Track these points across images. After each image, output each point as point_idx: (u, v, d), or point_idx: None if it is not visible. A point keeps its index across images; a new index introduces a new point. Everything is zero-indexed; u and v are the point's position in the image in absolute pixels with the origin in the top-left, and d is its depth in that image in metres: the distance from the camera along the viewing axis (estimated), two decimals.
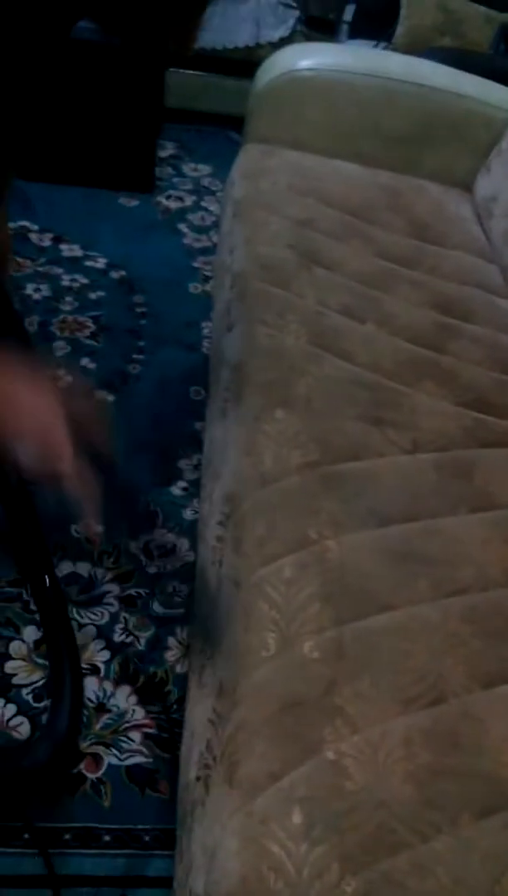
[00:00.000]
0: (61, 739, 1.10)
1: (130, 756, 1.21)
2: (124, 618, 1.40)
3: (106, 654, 1.33)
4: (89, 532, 0.79)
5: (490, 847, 0.73)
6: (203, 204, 2.71)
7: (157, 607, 1.43)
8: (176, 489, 1.67)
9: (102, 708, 1.26)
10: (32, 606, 1.35)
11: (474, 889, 0.70)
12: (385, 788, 0.75)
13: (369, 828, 0.72)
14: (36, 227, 2.37)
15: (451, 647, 0.89)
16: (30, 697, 1.25)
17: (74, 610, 1.38)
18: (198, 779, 0.83)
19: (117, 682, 1.30)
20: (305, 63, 1.92)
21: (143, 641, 1.37)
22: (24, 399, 0.80)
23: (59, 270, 2.24)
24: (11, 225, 1.32)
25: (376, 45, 2.76)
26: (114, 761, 1.20)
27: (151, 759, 1.21)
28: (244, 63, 2.79)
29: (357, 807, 0.73)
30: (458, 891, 0.69)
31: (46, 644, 1.25)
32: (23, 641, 1.33)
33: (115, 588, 1.45)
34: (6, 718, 1.23)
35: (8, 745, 1.20)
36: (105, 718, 1.25)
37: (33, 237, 2.34)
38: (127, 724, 1.25)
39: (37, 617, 1.35)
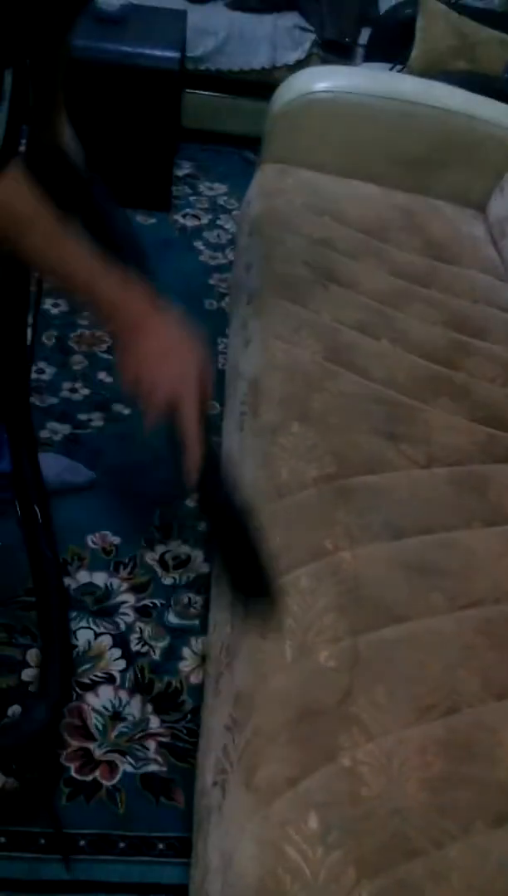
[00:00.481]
0: (56, 698, 1.12)
1: (145, 764, 1.23)
2: (140, 628, 1.41)
3: (121, 664, 1.35)
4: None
5: (504, 854, 0.74)
6: (219, 222, 2.74)
7: (172, 618, 1.44)
8: (191, 502, 1.69)
9: (117, 717, 1.28)
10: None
11: (487, 895, 0.71)
12: (400, 796, 0.76)
13: (384, 834, 0.73)
14: None
15: (465, 659, 0.90)
16: None
17: (90, 620, 1.40)
18: (215, 784, 0.84)
19: (132, 692, 1.32)
20: (321, 85, 1.95)
21: (158, 651, 1.38)
22: (175, 344, 0.93)
23: None
24: None
25: (391, 68, 2.79)
26: (129, 769, 1.22)
27: (165, 768, 1.23)
28: (260, 85, 2.84)
29: (373, 813, 0.75)
30: (469, 890, 0.70)
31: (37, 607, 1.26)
32: (40, 649, 1.34)
33: (130, 598, 1.46)
34: None
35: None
36: (120, 727, 1.26)
37: None
38: (142, 733, 1.26)
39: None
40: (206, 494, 1.00)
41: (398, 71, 2.75)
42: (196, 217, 2.75)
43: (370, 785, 0.76)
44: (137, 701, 1.30)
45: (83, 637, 1.38)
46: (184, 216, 2.74)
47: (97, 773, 1.20)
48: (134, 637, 1.40)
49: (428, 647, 0.91)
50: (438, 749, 0.80)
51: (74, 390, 1.91)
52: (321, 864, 0.71)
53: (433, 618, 0.94)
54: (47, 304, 2.15)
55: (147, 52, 2.50)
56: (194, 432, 0.92)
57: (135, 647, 1.38)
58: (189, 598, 1.49)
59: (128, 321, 0.92)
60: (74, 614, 1.40)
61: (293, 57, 3.09)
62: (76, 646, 1.35)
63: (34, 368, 1.81)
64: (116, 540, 1.56)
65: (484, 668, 0.89)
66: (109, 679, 1.32)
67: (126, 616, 1.43)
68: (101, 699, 1.29)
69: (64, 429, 1.78)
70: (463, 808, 0.76)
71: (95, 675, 1.32)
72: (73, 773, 1.20)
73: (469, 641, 0.92)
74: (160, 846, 1.15)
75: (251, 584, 0.96)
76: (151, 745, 1.25)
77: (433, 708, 0.84)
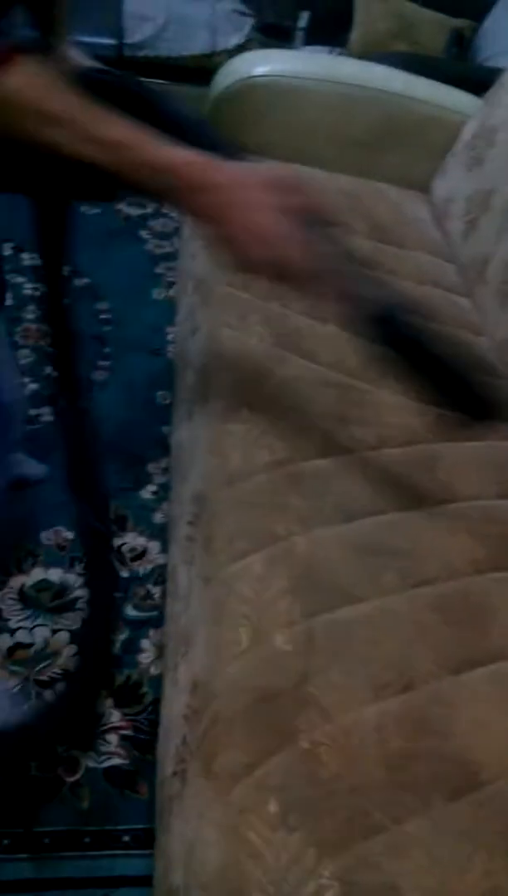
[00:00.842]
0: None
1: (108, 758, 1.22)
2: None
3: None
4: None
5: (462, 826, 0.74)
6: (164, 210, 2.72)
7: (130, 610, 1.44)
8: (146, 493, 1.68)
9: None
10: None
11: (447, 867, 0.71)
12: (359, 774, 0.76)
13: (343, 813, 0.74)
14: None
15: (419, 636, 0.91)
16: None
17: (47, 616, 1.39)
18: (175, 773, 0.84)
19: None
20: (261, 69, 1.94)
21: (117, 645, 1.38)
22: (253, 187, 0.82)
23: (22, 279, 2.24)
24: None
25: (330, 51, 2.79)
26: (91, 764, 1.21)
27: (128, 761, 1.22)
28: (200, 70, 2.82)
29: (332, 793, 0.75)
30: (432, 869, 0.71)
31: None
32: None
33: (87, 593, 1.45)
34: None
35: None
36: None
37: None
38: (103, 727, 1.26)
39: (9, 624, 1.36)
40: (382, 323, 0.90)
41: (338, 54, 2.75)
42: (141, 206, 2.73)
43: (328, 765, 0.77)
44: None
45: (40, 635, 1.36)
46: (129, 205, 2.71)
47: (59, 770, 1.20)
48: None
49: (383, 627, 0.91)
50: (395, 726, 0.81)
51: (21, 385, 1.88)
52: (283, 847, 0.71)
53: (386, 597, 0.95)
54: None
55: (83, 39, 2.46)
56: (320, 271, 0.83)
57: None
58: (147, 591, 1.48)
59: (192, 181, 0.83)
60: (29, 612, 1.39)
61: (233, 41, 3.07)
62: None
63: None
64: (71, 535, 1.55)
65: (438, 644, 0.90)
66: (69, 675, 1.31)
67: (83, 611, 1.42)
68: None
69: None
70: (422, 783, 0.77)
71: (54, 673, 1.31)
72: (34, 771, 1.19)
73: (422, 619, 0.93)
74: (126, 839, 1.14)
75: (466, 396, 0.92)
76: (113, 738, 1.25)
77: (389, 686, 0.85)
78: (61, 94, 0.83)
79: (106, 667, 1.13)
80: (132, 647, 1.38)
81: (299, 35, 3.10)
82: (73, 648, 1.35)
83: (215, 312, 1.39)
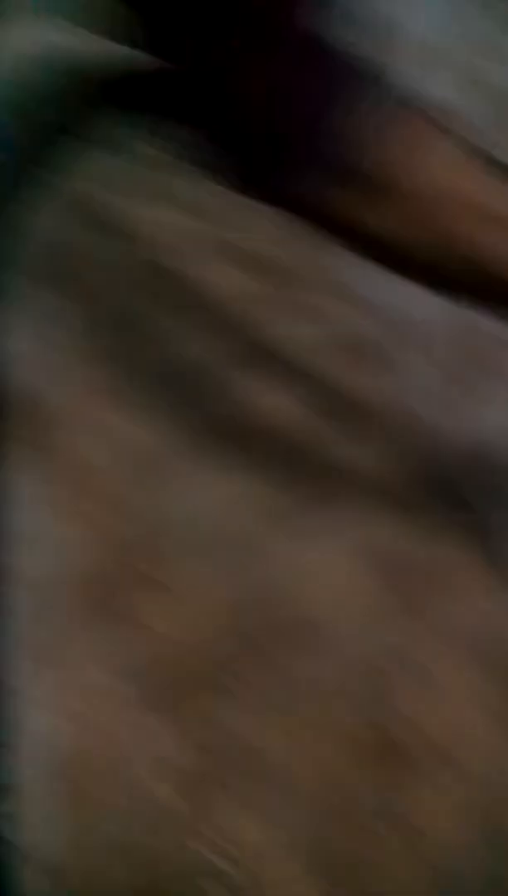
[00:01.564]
0: None
1: None
2: None
3: None
4: None
5: (310, 680, 0.76)
6: None
7: None
8: None
9: None
10: None
11: (300, 722, 0.74)
12: (204, 642, 0.77)
13: (190, 680, 0.75)
14: None
15: (244, 500, 0.90)
16: None
17: None
18: (22, 671, 0.82)
19: None
20: None
21: None
22: None
23: None
24: None
25: None
26: None
27: None
28: None
29: (179, 663, 0.76)
30: (285, 725, 0.74)
31: None
32: None
33: None
34: None
35: None
36: None
37: None
38: None
39: None
40: None
41: None
42: None
43: (173, 637, 0.77)
44: None
45: None
46: None
47: None
48: None
49: (229, 510, 0.90)
50: (228, 592, 0.81)
51: None
52: (134, 725, 0.71)
53: (232, 479, 0.93)
54: None
55: None
56: None
57: None
58: None
59: None
60: None
61: None
62: None
63: None
64: None
65: (267, 507, 0.90)
66: None
67: None
68: None
69: None
70: (264, 642, 0.78)
71: None
72: None
73: (267, 495, 0.92)
74: None
75: None
76: None
77: (224, 560, 0.85)
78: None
79: None
80: None
81: None
82: None
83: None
